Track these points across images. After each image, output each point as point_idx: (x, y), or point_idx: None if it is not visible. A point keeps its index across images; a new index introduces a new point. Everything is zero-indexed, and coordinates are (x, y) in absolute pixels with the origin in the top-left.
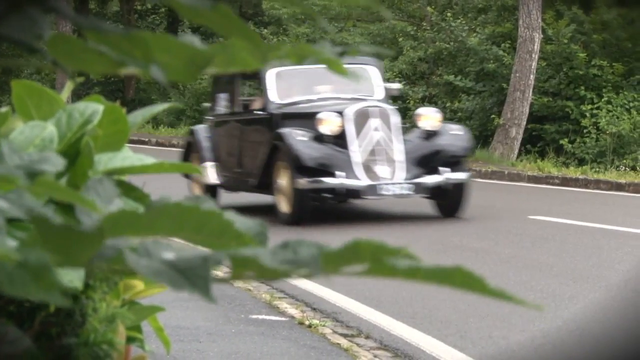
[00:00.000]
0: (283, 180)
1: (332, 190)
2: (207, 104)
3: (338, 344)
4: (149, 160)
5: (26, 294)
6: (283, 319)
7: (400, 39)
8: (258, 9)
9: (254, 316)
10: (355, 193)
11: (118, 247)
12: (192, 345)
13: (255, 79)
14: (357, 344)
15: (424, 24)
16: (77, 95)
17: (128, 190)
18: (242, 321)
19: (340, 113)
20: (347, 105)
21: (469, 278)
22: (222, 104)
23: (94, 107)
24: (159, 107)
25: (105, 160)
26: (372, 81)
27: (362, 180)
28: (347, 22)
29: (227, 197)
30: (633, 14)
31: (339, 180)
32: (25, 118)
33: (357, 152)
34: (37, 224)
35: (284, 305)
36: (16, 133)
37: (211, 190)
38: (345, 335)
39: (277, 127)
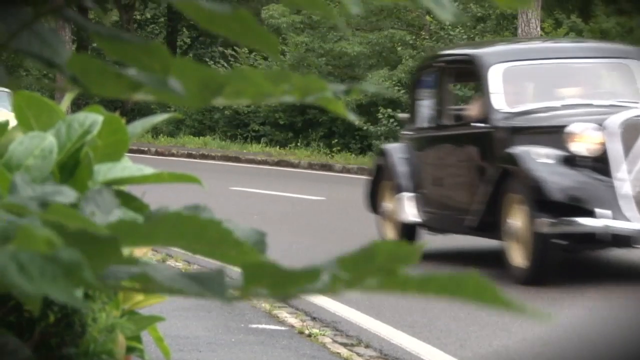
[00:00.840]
0: (516, 219)
1: (590, 235)
2: (403, 115)
3: (338, 353)
4: (148, 170)
5: (53, 291)
6: (283, 328)
7: (399, 48)
8: (257, 18)
9: (254, 325)
10: (624, 240)
11: (141, 267)
12: (192, 355)
13: (472, 79)
14: (357, 353)
15: (423, 33)
16: (77, 105)
17: (128, 200)
18: (242, 330)
19: (600, 125)
20: (608, 114)
21: (481, 286)
22: (426, 114)
23: (94, 118)
24: (159, 118)
25: (105, 171)
26: (637, 81)
27: (633, 222)
28: (346, 30)
29: (432, 241)
30: (632, 22)
31: (600, 221)
32: (25, 129)
33: (625, 180)
34: (55, 230)
35: (283, 314)
36: (16, 144)
37: (409, 231)
38: (345, 345)
39: (507, 146)
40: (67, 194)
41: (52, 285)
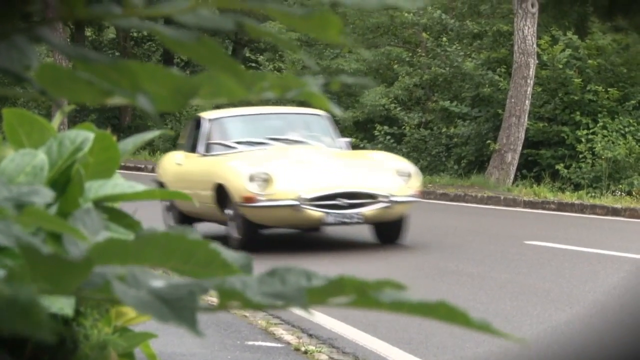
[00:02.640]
0: None
1: None
2: None
3: None
4: (140, 187)
5: (15, 330)
6: (279, 345)
7: (396, 65)
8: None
9: (250, 342)
10: None
11: (105, 277)
12: None
13: None
14: None
15: (419, 50)
16: (73, 123)
17: (119, 217)
18: (238, 347)
19: None
20: None
21: (452, 312)
22: None
23: (85, 135)
24: (150, 134)
25: (96, 188)
26: None
27: None
28: (343, 48)
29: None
30: (628, 39)
31: None
32: (16, 146)
33: None
34: (26, 252)
35: (280, 331)
36: (7, 161)
37: None
38: None
39: None
40: (43, 194)
41: (12, 326)
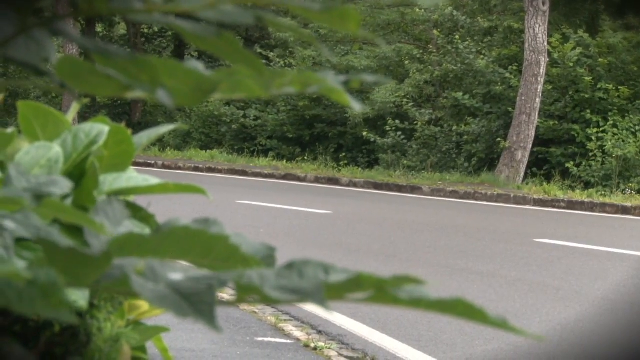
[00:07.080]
0: None
1: None
2: None
3: None
4: (154, 180)
5: (35, 312)
6: (288, 341)
7: (407, 62)
8: (264, 32)
9: (260, 339)
10: None
11: (124, 271)
12: None
13: None
14: None
15: (430, 47)
16: (83, 118)
17: (133, 210)
18: (248, 344)
19: None
20: None
21: (470, 309)
22: None
23: (100, 128)
24: (164, 129)
25: (111, 181)
26: None
27: None
28: (354, 45)
29: None
30: (639, 37)
31: None
32: (31, 139)
33: None
34: (44, 246)
35: (289, 327)
36: (22, 154)
37: None
38: (350, 358)
39: None
40: (61, 185)
41: (32, 307)
